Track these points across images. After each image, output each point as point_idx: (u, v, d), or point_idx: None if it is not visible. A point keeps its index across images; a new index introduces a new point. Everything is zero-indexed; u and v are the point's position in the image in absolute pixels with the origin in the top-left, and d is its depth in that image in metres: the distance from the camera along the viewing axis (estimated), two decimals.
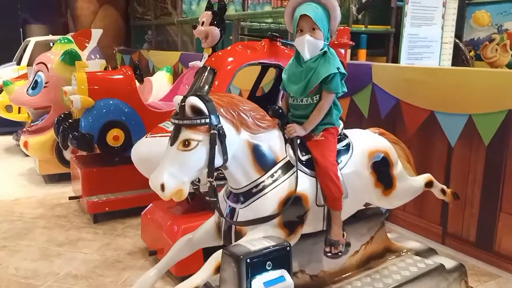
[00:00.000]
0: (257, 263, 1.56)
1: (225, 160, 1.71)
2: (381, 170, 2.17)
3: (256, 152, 1.80)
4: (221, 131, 1.66)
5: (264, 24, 7.52)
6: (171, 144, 1.64)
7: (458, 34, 7.23)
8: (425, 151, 3.37)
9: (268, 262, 1.59)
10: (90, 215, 3.68)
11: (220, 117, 1.68)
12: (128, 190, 3.70)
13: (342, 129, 2.17)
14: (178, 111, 1.66)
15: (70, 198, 3.94)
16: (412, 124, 3.40)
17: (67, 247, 3.23)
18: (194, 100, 1.62)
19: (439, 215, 3.32)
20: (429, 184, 2.42)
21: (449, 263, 2.46)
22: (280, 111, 1.97)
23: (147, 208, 3.12)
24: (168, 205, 3.03)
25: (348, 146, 2.12)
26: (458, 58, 7.37)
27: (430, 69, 3.54)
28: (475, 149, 3.04)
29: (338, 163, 2.02)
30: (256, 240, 1.68)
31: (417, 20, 4.67)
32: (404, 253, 2.46)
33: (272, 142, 1.86)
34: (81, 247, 3.22)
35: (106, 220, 3.65)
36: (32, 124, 4.72)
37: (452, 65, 5.84)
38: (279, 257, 1.62)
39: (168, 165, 1.62)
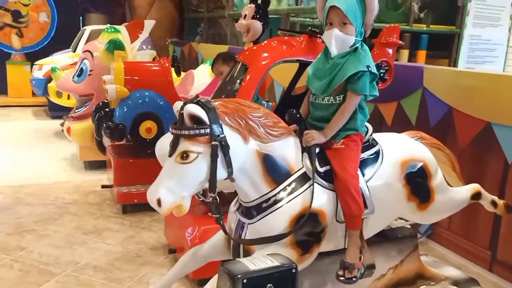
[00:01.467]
0: (255, 284, 1.40)
1: (230, 173, 1.56)
2: (417, 182, 1.92)
3: (267, 163, 1.63)
4: (224, 142, 1.50)
5: (317, 20, 7.25)
6: (169, 155, 1.51)
7: None
8: (477, 166, 3.02)
9: (269, 285, 1.42)
10: (120, 205, 3.69)
11: (224, 126, 1.53)
12: None
13: (371, 134, 1.93)
14: (177, 120, 1.53)
15: (103, 186, 3.99)
16: (465, 136, 3.06)
17: (92, 236, 3.25)
18: (193, 108, 1.47)
19: (489, 238, 2.98)
20: (476, 195, 2.12)
21: None
22: (298, 115, 1.78)
23: None
24: (193, 204, 2.93)
25: (377, 154, 1.89)
26: None
27: (490, 75, 3.16)
28: None
29: (364, 175, 1.80)
30: (259, 258, 1.52)
31: (480, 20, 4.22)
32: (439, 282, 2.19)
33: (286, 151, 1.68)
34: (105, 237, 3.23)
35: (134, 212, 3.64)
36: (76, 110, 4.85)
37: None
38: (282, 279, 1.45)
39: (166, 179, 1.50)
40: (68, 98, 5.96)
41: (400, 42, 3.11)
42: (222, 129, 1.52)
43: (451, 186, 2.14)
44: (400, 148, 1.95)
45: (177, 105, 1.57)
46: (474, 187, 2.15)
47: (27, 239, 3.17)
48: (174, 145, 1.52)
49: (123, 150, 3.90)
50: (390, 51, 3.08)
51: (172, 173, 1.50)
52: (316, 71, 1.85)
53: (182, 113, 1.50)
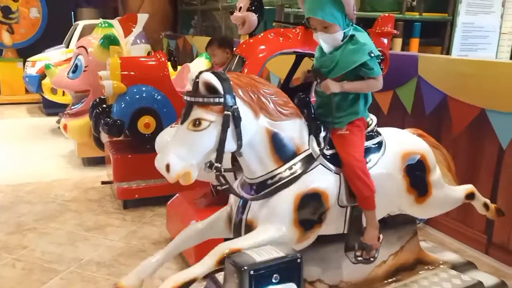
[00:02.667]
0: (262, 275, 1.43)
1: (239, 145, 1.58)
2: (416, 174, 1.97)
3: (275, 141, 1.66)
4: (236, 113, 1.52)
5: None
6: (181, 123, 1.52)
7: None
8: (472, 153, 3.07)
9: (275, 275, 1.45)
10: (121, 200, 3.71)
11: (237, 98, 1.54)
12: (158, 178, 3.67)
13: (375, 126, 1.98)
14: (191, 88, 1.54)
15: (103, 182, 4.00)
16: (460, 122, 3.10)
17: (95, 232, 3.27)
18: (208, 77, 1.48)
19: (484, 223, 3.04)
20: (470, 196, 2.19)
21: (489, 280, 2.23)
22: (307, 99, 1.81)
23: (173, 199, 3.09)
24: (194, 197, 2.97)
25: (380, 144, 1.93)
26: None
27: (484, 62, 3.20)
28: None
29: (367, 162, 1.84)
30: (264, 249, 1.55)
31: (473, 7, 4.25)
32: (438, 266, 2.24)
33: (294, 132, 1.71)
34: (108, 233, 3.25)
35: (135, 207, 3.67)
36: (72, 107, 4.83)
37: None
38: (288, 269, 1.49)
39: (176, 145, 1.50)
40: (63, 94, 5.92)
41: (395, 31, 3.12)
42: (235, 100, 1.54)
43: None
44: (402, 141, 2.00)
45: (192, 74, 1.59)
46: (469, 187, 2.21)
47: (28, 237, 3.18)
48: (186, 112, 1.53)
49: (121, 146, 3.91)
50: (385, 40, 3.10)
51: (183, 140, 1.51)
52: (318, 61, 1.89)
53: (197, 81, 1.51)
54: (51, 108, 6.93)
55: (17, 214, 3.56)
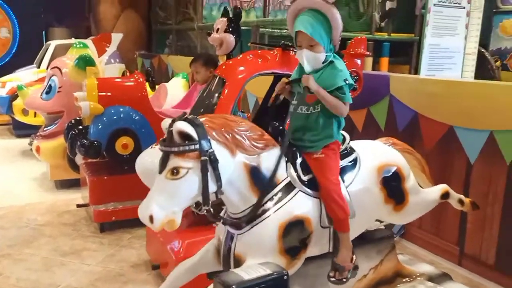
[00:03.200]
0: None
1: (219, 186, 1.61)
2: (392, 185, 2.05)
3: (254, 175, 1.70)
4: (212, 157, 1.56)
5: (285, 31, 7.45)
6: (160, 172, 1.55)
7: (484, 43, 6.98)
8: (443, 167, 3.21)
9: None
10: (97, 223, 3.64)
11: (212, 140, 1.58)
12: (136, 199, 3.58)
13: (348, 143, 2.05)
14: (165, 137, 1.58)
15: (78, 205, 3.92)
16: (430, 139, 3.25)
17: (71, 257, 3.19)
18: (182, 125, 1.52)
19: (457, 234, 3.16)
20: (445, 195, 2.27)
21: None
22: (281, 128, 1.87)
23: None
24: None
25: (355, 161, 2.00)
26: (484, 68, 7.10)
27: (451, 82, 3.38)
28: (496, 168, 2.87)
29: (344, 181, 1.91)
30: (251, 267, 1.58)
31: (439, 30, 4.51)
32: (415, 279, 2.31)
33: (272, 162, 1.75)
34: (84, 258, 3.18)
35: (112, 230, 3.61)
36: (45, 128, 4.74)
37: (478, 75, 5.61)
38: (274, 287, 1.51)
39: (157, 195, 1.53)
40: (35, 116, 5.80)
41: (368, 53, 3.27)
42: (210, 144, 1.57)
43: (421, 188, 2.28)
44: (376, 155, 2.07)
45: (165, 123, 1.62)
46: (443, 187, 2.29)
47: (2, 264, 3.08)
48: (164, 162, 1.56)
49: (98, 167, 3.85)
50: (359, 61, 3.23)
51: (163, 189, 1.54)
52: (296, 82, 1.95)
53: (171, 130, 1.54)
54: (21, 130, 6.76)
55: None
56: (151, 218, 1.51)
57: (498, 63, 7.31)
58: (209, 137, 1.57)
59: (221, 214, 1.88)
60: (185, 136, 1.54)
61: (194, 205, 1.63)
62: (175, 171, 1.53)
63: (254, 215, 1.70)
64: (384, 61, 6.58)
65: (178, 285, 1.91)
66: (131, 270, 3.01)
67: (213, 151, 1.56)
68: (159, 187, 1.55)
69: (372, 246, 2.19)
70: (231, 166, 1.64)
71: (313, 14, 1.83)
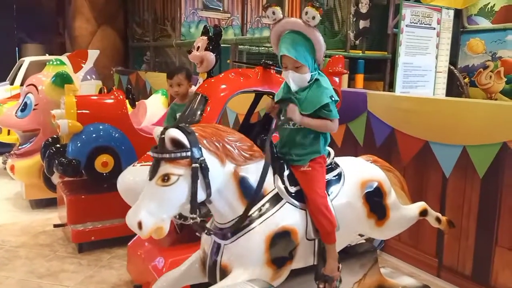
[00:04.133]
0: None
1: (209, 194, 1.63)
2: (374, 200, 2.11)
3: (243, 185, 1.73)
4: (203, 165, 1.57)
5: (262, 49, 7.59)
6: (150, 179, 1.56)
7: (453, 61, 7.27)
8: (419, 181, 3.30)
9: None
10: (75, 244, 3.55)
11: (203, 149, 1.60)
12: (115, 218, 3.58)
13: (333, 158, 2.11)
14: (157, 144, 1.58)
15: (55, 226, 3.82)
16: (407, 154, 3.34)
17: (48, 279, 3.10)
18: (174, 133, 1.54)
19: (435, 246, 3.24)
20: (423, 212, 2.35)
21: None
22: (269, 140, 1.91)
23: (134, 239, 3.01)
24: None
25: (339, 176, 2.06)
26: (453, 85, 7.40)
27: (424, 99, 3.51)
28: (470, 181, 2.98)
29: (329, 194, 1.95)
30: (239, 284, 1.58)
31: (411, 49, 4.71)
32: None
33: (260, 173, 1.78)
34: (62, 280, 3.09)
35: (91, 250, 3.52)
36: (20, 147, 4.62)
37: (447, 91, 5.84)
38: None
39: (146, 202, 1.53)
40: (8, 133, 5.64)
41: (345, 71, 3.36)
42: (201, 152, 1.59)
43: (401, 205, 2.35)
44: (359, 170, 2.13)
45: (157, 130, 1.63)
46: (422, 205, 2.38)
47: None
48: (154, 168, 1.56)
49: (75, 186, 3.77)
50: (337, 79, 3.33)
51: (153, 196, 1.53)
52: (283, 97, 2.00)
53: (163, 137, 1.55)
54: None
55: None
56: (139, 225, 1.50)
57: (466, 80, 7.62)
58: (200, 145, 1.59)
59: (207, 226, 1.88)
60: (177, 144, 1.55)
61: (177, 217, 1.63)
62: (166, 178, 1.53)
63: (241, 225, 1.71)
64: (359, 77, 6.77)
65: None
66: None
67: (204, 159, 1.58)
68: (148, 194, 1.55)
69: (355, 260, 2.23)
70: (221, 175, 1.66)
71: (296, 37, 1.89)
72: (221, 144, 1.67)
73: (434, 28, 4.89)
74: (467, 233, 3.02)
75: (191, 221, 1.62)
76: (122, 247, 3.39)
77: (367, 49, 7.65)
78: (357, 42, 7.58)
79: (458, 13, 7.25)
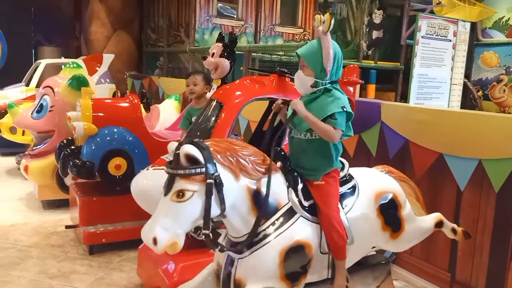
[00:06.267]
0: None
1: (223, 209, 1.63)
2: (389, 212, 2.09)
3: (256, 199, 1.73)
4: (218, 180, 1.58)
5: (275, 56, 7.64)
6: (165, 194, 1.57)
7: (467, 74, 7.25)
8: (433, 194, 3.27)
9: None
10: (86, 246, 3.57)
11: (217, 164, 1.61)
12: (127, 221, 3.59)
13: (347, 170, 2.10)
14: (172, 159, 1.60)
15: (67, 227, 3.84)
16: (421, 166, 3.31)
17: (59, 280, 3.11)
18: (189, 149, 1.55)
19: (448, 261, 3.19)
20: (439, 223, 2.33)
21: None
22: (283, 153, 1.91)
23: (144, 242, 3.01)
24: None
25: (354, 188, 2.05)
26: (466, 97, 7.36)
27: (440, 111, 3.48)
28: (485, 195, 2.94)
29: (343, 207, 1.94)
30: None
31: (426, 60, 4.70)
32: None
33: (274, 187, 1.78)
34: (73, 281, 3.10)
35: (102, 252, 3.54)
36: (34, 147, 4.67)
37: (461, 104, 5.80)
38: None
39: (161, 218, 1.54)
40: (23, 134, 5.72)
41: (360, 81, 3.37)
42: (216, 167, 1.59)
43: (417, 216, 2.32)
44: (373, 182, 2.12)
45: (172, 146, 1.64)
46: (437, 216, 2.35)
47: None
48: (169, 184, 1.57)
49: (88, 188, 3.80)
50: (351, 89, 3.34)
51: (167, 212, 1.54)
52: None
53: (178, 153, 1.56)
54: (7, 148, 6.63)
55: None
56: (154, 241, 1.52)
57: (480, 93, 7.57)
58: (214, 161, 1.59)
59: (220, 239, 1.88)
60: (191, 160, 1.56)
61: (193, 230, 1.63)
62: (180, 194, 1.54)
63: (256, 239, 1.71)
64: (371, 88, 6.77)
65: None
66: None
67: (219, 174, 1.59)
68: (163, 210, 1.56)
69: (368, 272, 2.22)
70: (235, 189, 1.66)
71: (315, 41, 1.93)
72: (235, 158, 1.67)
73: (450, 40, 4.88)
74: (481, 248, 2.97)
75: (203, 236, 1.62)
76: (132, 250, 3.40)
77: (380, 59, 7.66)
78: (370, 52, 7.60)
79: (472, 26, 7.23)
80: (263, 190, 1.74)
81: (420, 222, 2.25)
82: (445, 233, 2.39)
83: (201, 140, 1.66)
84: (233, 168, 1.65)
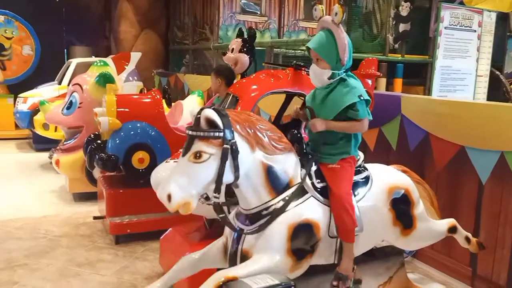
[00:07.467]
0: None
1: (236, 177, 1.68)
2: (401, 208, 2.09)
3: (270, 174, 1.77)
4: (234, 147, 1.63)
5: (298, 52, 7.63)
6: (183, 155, 1.63)
7: (499, 66, 6.99)
8: (454, 187, 3.22)
9: None
10: (112, 236, 3.72)
11: (235, 133, 1.66)
12: (150, 213, 3.72)
13: (362, 161, 2.11)
14: (193, 122, 1.66)
15: (95, 218, 4.01)
16: (442, 159, 3.26)
17: (86, 267, 3.27)
18: (209, 113, 1.61)
19: (469, 255, 3.13)
20: (452, 229, 2.31)
21: None
22: (299, 135, 1.95)
23: (166, 233, 3.12)
24: (187, 231, 3.02)
25: (367, 179, 2.06)
26: (499, 90, 7.09)
27: (461, 103, 3.41)
28: (507, 188, 2.88)
29: (355, 195, 1.96)
30: (260, 277, 1.63)
31: (450, 52, 4.58)
32: None
33: (287, 165, 1.83)
34: (99, 269, 3.25)
35: (127, 242, 3.68)
36: (65, 142, 4.89)
37: (492, 97, 5.61)
38: None
39: (177, 176, 1.60)
40: (55, 130, 5.98)
41: (378, 73, 3.34)
42: (233, 135, 1.65)
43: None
44: (387, 176, 2.13)
45: (194, 110, 1.71)
46: (451, 221, 2.33)
47: (19, 273, 3.16)
48: (188, 145, 1.64)
49: (114, 181, 3.95)
50: (369, 81, 3.31)
51: (184, 171, 1.60)
52: (312, 100, 2.05)
53: (199, 116, 1.63)
54: (41, 144, 6.96)
55: (7, 250, 3.53)
56: (169, 197, 1.57)
57: None
58: (232, 129, 1.65)
59: (231, 216, 1.92)
60: (211, 123, 1.62)
61: (205, 196, 1.69)
62: (198, 155, 1.60)
63: (266, 212, 1.76)
64: (398, 82, 6.64)
65: (182, 276, 1.95)
66: (144, 282, 3.07)
67: (235, 141, 1.64)
68: (180, 169, 1.62)
69: (380, 262, 2.22)
70: (250, 160, 1.71)
71: (325, 33, 1.94)
72: (252, 130, 1.72)
73: (475, 31, 4.73)
74: (503, 243, 2.91)
75: (213, 200, 1.67)
76: (155, 240, 3.51)
77: (407, 52, 7.49)
78: (397, 45, 7.45)
79: (505, 17, 6.96)
80: (277, 165, 1.78)
81: (433, 224, 2.24)
82: (458, 241, 2.36)
83: (222, 108, 1.72)
84: (250, 139, 1.70)
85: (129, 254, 3.50)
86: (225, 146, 1.62)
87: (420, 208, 2.16)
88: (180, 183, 1.58)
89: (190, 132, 1.65)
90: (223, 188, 1.68)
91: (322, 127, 1.91)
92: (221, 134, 1.62)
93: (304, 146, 1.98)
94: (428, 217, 2.22)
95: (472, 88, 4.75)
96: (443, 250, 3.32)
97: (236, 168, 1.66)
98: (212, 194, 1.66)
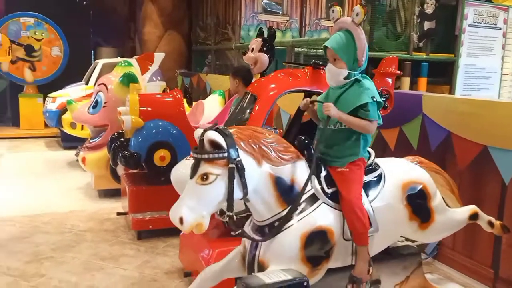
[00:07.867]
0: None
1: (245, 193, 1.71)
2: (417, 202, 2.08)
3: (278, 184, 1.80)
4: (239, 165, 1.66)
5: (320, 51, 7.60)
6: (191, 177, 1.68)
7: None
8: (476, 188, 3.16)
9: None
10: (135, 231, 3.82)
11: (240, 150, 1.69)
12: None
13: (373, 159, 2.10)
14: (197, 145, 1.70)
15: (118, 213, 4.12)
16: (464, 159, 3.20)
17: (109, 261, 3.37)
18: (212, 135, 1.65)
19: (491, 257, 3.08)
20: (474, 216, 2.27)
21: None
22: (307, 141, 1.96)
23: None
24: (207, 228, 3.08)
25: (379, 177, 2.06)
26: None
27: (484, 102, 3.33)
28: None
29: (368, 196, 1.96)
30: (272, 272, 1.66)
31: (474, 50, 4.48)
32: None
33: (296, 174, 1.84)
34: (122, 263, 3.35)
35: (149, 238, 3.77)
36: (91, 141, 5.04)
37: None
38: None
39: (187, 199, 1.65)
40: (82, 129, 6.17)
41: (398, 72, 3.31)
42: (238, 153, 1.68)
43: (450, 208, 2.28)
44: (401, 172, 2.11)
45: (197, 132, 1.75)
46: (472, 208, 2.29)
47: (45, 266, 3.29)
48: (195, 168, 1.69)
49: (137, 178, 4.06)
50: (390, 80, 3.29)
51: (193, 193, 1.66)
52: (325, 99, 2.05)
53: (203, 139, 1.68)
54: (69, 142, 7.19)
55: (34, 244, 3.68)
56: (181, 220, 1.63)
57: None
58: (237, 147, 1.69)
59: (246, 225, 1.96)
60: (215, 145, 1.66)
61: (218, 213, 1.73)
62: (204, 177, 1.65)
63: (279, 223, 1.79)
64: (422, 81, 6.52)
65: (206, 287, 2.00)
66: (164, 276, 3.14)
67: (240, 159, 1.67)
68: (189, 192, 1.67)
69: (397, 262, 2.21)
70: (257, 175, 1.74)
71: (343, 34, 1.95)
72: (257, 145, 1.75)
73: (500, 28, 4.60)
74: None
75: (227, 218, 1.71)
76: (176, 236, 3.57)
77: (432, 51, 7.32)
78: (421, 44, 7.31)
79: None
80: (285, 176, 1.81)
81: (452, 214, 2.21)
82: (482, 226, 2.32)
83: (225, 127, 1.76)
84: (256, 154, 1.74)
85: (150, 250, 3.59)
86: (230, 165, 1.65)
87: (437, 199, 2.14)
88: (190, 205, 1.63)
89: (195, 155, 1.69)
90: (235, 204, 1.71)
91: (334, 112, 1.91)
92: (225, 154, 1.65)
93: (313, 151, 1.98)
94: (446, 207, 2.19)
95: (497, 87, 4.63)
96: (464, 251, 3.27)
97: (244, 185, 1.69)
98: (226, 214, 1.70)
